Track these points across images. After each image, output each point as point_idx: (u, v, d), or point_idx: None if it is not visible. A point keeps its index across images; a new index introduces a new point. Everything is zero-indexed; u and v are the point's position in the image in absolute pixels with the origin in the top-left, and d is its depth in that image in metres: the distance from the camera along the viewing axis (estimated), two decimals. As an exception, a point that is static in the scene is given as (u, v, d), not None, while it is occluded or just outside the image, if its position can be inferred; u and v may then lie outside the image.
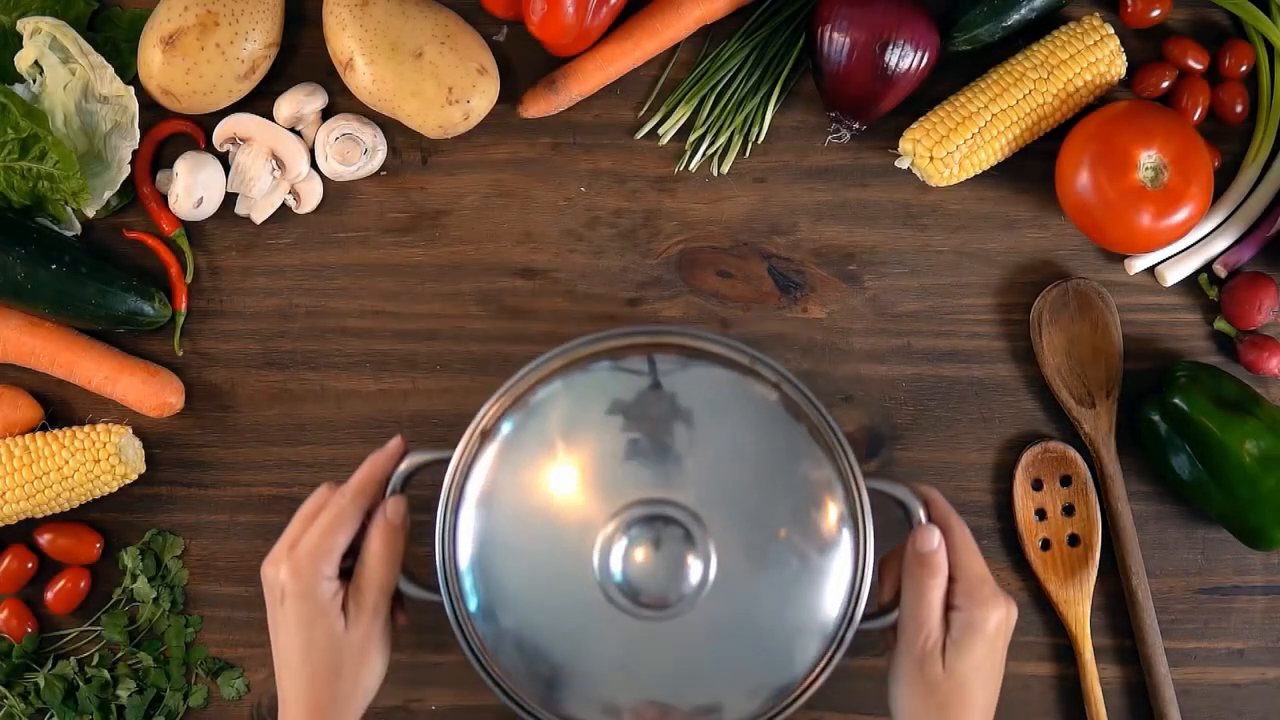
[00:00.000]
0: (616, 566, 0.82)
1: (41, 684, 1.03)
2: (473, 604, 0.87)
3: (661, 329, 0.90)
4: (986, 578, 0.88)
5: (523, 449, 0.87)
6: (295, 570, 0.86)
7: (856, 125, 1.03)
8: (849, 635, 0.86)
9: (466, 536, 0.87)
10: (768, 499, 0.85)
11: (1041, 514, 1.04)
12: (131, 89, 1.01)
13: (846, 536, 0.86)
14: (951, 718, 0.86)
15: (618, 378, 0.87)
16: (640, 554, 0.82)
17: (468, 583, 0.87)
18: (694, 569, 0.83)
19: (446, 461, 0.88)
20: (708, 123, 1.05)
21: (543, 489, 0.86)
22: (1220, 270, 1.04)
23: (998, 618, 0.87)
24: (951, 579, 0.87)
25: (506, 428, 0.87)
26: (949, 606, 0.87)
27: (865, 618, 0.87)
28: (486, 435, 0.87)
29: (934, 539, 0.87)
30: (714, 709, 0.86)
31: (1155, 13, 1.03)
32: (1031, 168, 1.05)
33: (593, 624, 0.84)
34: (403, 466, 0.90)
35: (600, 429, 0.86)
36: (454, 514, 0.87)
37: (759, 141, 1.05)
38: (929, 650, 0.86)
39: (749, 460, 0.86)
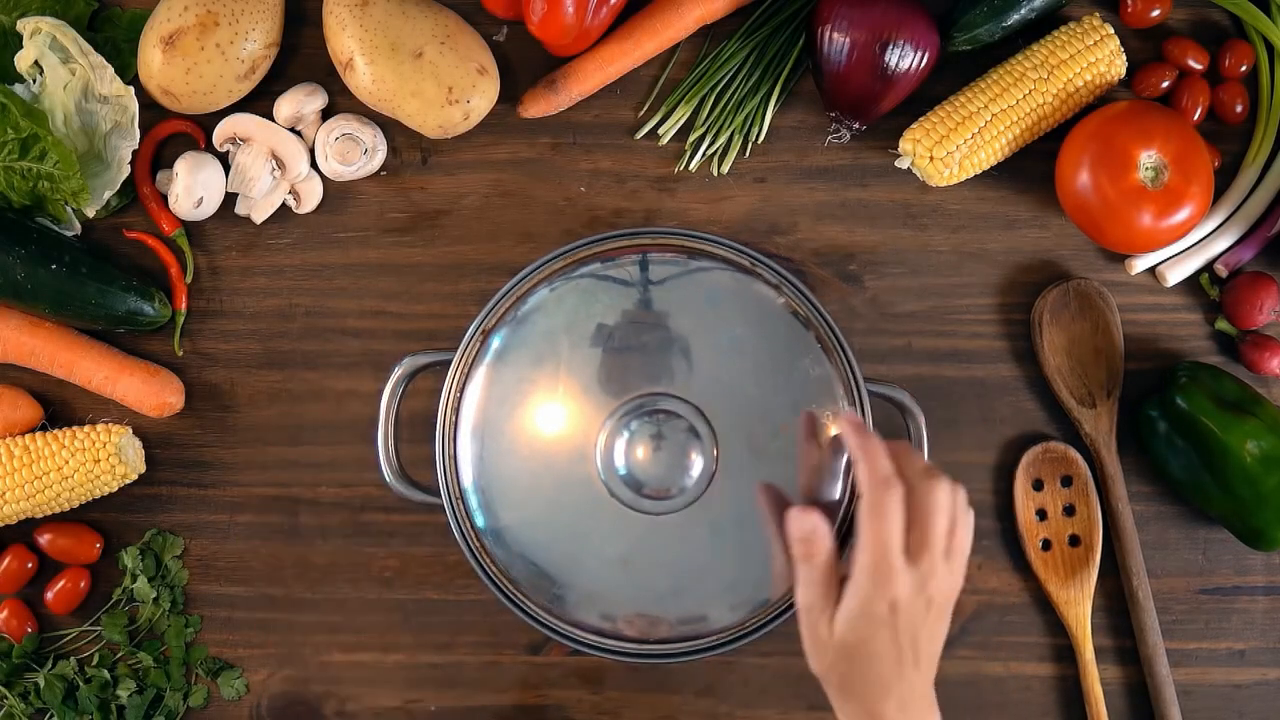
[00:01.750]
0: (620, 460, 0.83)
1: (41, 684, 1.03)
2: (474, 504, 0.87)
3: (661, 230, 0.92)
4: (870, 563, 0.79)
5: (523, 351, 0.88)
6: None
7: (856, 125, 1.03)
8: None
9: (467, 440, 0.88)
10: (769, 394, 0.87)
11: (1042, 514, 1.04)
12: (131, 89, 1.01)
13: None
14: (838, 682, 0.81)
15: (618, 278, 0.88)
16: (643, 446, 0.84)
17: (469, 487, 0.88)
18: (696, 459, 0.84)
19: (447, 364, 0.89)
20: (708, 123, 1.05)
21: (545, 390, 0.87)
22: (1221, 270, 1.04)
23: (887, 597, 0.79)
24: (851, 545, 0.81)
25: (505, 332, 0.88)
26: (845, 575, 0.81)
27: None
28: (488, 336, 0.88)
29: (807, 523, 0.80)
30: (700, 618, 0.87)
31: (1155, 13, 1.03)
32: (1031, 168, 1.05)
33: (596, 522, 0.85)
34: (403, 368, 0.91)
35: (600, 328, 0.87)
36: (455, 413, 0.89)
37: (759, 141, 1.05)
38: (813, 620, 0.81)
39: (749, 356, 0.87)
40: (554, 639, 0.89)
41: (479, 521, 0.88)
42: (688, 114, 1.05)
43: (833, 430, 0.87)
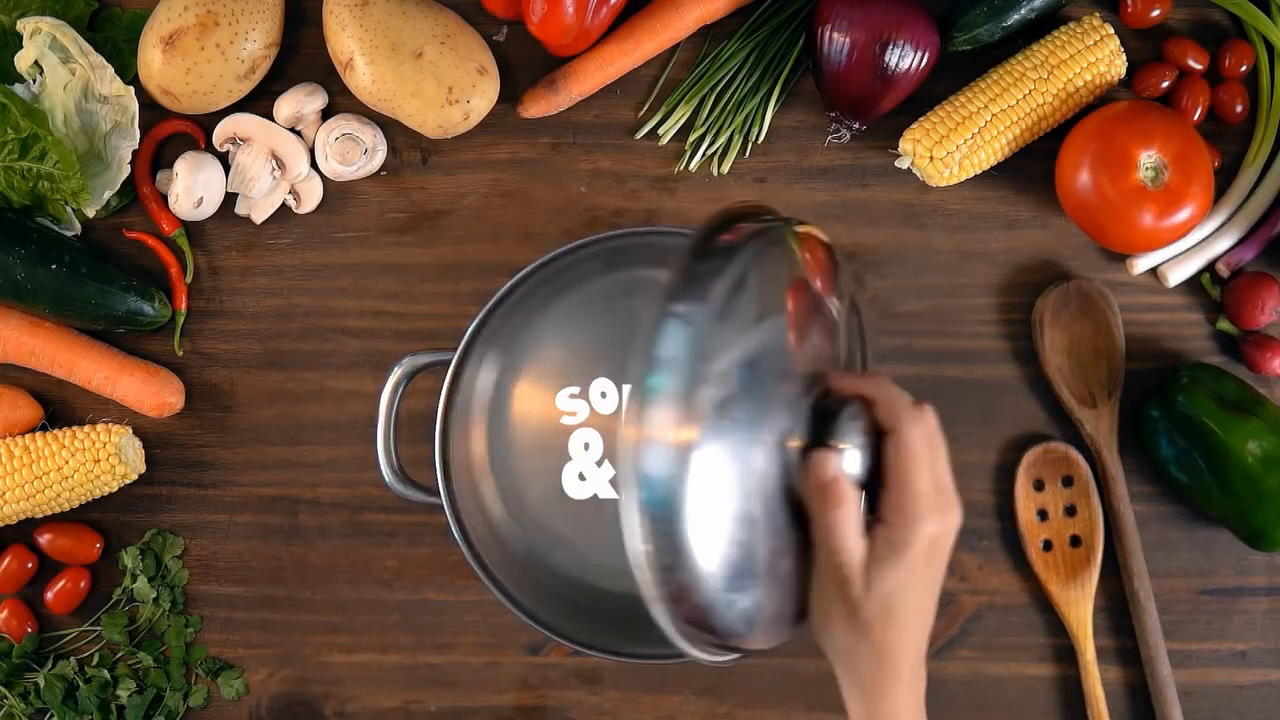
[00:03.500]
0: None
1: (41, 684, 1.03)
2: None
3: (661, 230, 0.91)
4: (923, 493, 0.75)
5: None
6: None
7: (856, 125, 1.03)
8: None
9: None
10: None
11: (1043, 515, 1.04)
12: (131, 89, 1.01)
13: None
14: (877, 640, 0.76)
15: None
16: None
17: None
18: None
19: (447, 364, 0.89)
20: (708, 123, 1.05)
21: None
22: (1222, 270, 1.04)
23: (928, 532, 0.75)
24: (886, 488, 0.76)
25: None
26: (877, 519, 0.77)
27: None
28: (488, 336, 0.88)
29: (829, 467, 0.75)
30: None
31: (1155, 13, 1.03)
32: (1031, 168, 1.04)
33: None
34: (403, 368, 0.91)
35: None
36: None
37: (759, 141, 1.05)
38: (847, 575, 0.76)
39: None
40: (554, 639, 0.89)
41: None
42: (688, 114, 1.05)
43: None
